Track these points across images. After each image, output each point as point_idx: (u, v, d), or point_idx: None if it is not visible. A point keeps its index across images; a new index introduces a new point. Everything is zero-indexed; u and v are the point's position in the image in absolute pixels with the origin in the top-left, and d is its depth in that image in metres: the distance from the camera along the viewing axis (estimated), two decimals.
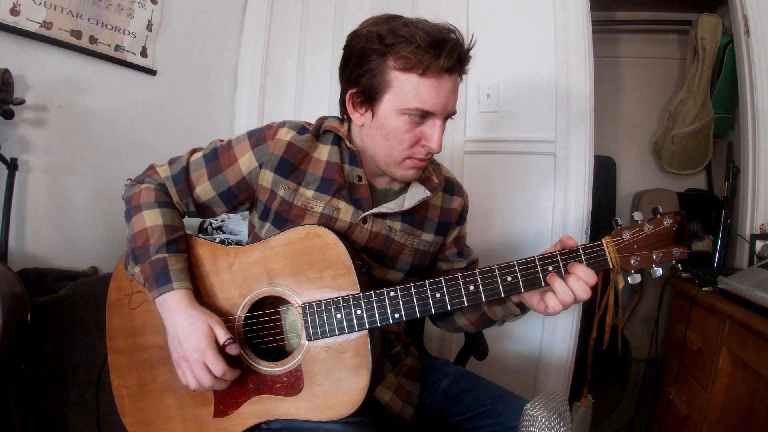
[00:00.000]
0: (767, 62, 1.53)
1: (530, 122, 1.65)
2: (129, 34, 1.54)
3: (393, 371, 0.97)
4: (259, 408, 0.81)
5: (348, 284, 0.79)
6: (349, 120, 0.88)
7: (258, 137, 0.89)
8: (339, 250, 0.80)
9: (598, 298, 0.79)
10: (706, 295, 1.36)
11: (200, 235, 0.95)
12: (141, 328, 0.88)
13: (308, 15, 1.96)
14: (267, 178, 0.88)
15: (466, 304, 0.76)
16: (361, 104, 0.82)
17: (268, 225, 0.90)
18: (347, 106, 0.85)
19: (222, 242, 0.89)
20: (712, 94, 2.04)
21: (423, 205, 0.93)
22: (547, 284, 0.74)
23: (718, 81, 2.00)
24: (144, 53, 1.59)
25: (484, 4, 1.69)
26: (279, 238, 0.83)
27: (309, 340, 0.80)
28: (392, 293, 0.77)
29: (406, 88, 0.77)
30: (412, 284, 0.78)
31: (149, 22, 1.59)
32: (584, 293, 0.72)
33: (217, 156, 0.90)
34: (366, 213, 0.88)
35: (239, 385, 0.82)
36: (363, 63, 0.79)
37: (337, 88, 0.88)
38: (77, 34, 1.39)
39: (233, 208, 0.95)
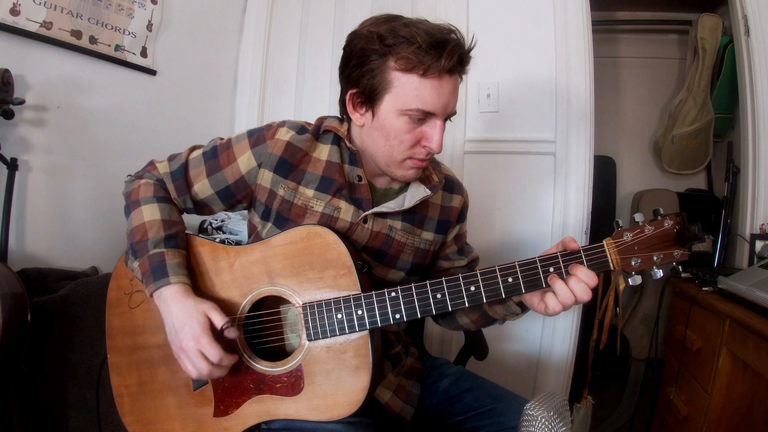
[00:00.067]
0: (767, 62, 1.53)
1: (530, 122, 1.65)
2: (129, 34, 1.54)
3: (393, 371, 0.97)
4: (259, 408, 0.81)
5: (349, 284, 0.79)
6: (349, 120, 0.88)
7: (257, 137, 0.89)
8: (340, 250, 0.80)
9: (599, 299, 0.79)
10: (706, 295, 1.36)
11: (200, 235, 0.95)
12: (141, 328, 0.88)
13: (308, 15, 1.96)
14: (266, 177, 0.88)
15: (467, 304, 0.76)
16: (362, 104, 0.82)
17: (269, 225, 0.90)
18: (347, 106, 0.85)
19: (222, 242, 0.89)
20: (712, 94, 2.04)
21: (423, 203, 0.93)
22: (547, 285, 0.74)
23: (718, 81, 2.00)
24: (144, 53, 1.59)
25: (484, 4, 1.69)
26: (280, 238, 0.83)
27: (309, 340, 0.80)
28: (393, 293, 0.77)
29: (406, 89, 0.77)
30: (413, 285, 0.78)
31: (149, 22, 1.59)
32: (585, 295, 0.72)
33: (217, 154, 0.90)
34: (366, 212, 0.88)
35: (239, 384, 0.82)
36: (363, 63, 0.79)
37: (337, 88, 0.88)
38: (77, 34, 1.39)
39: (231, 207, 0.95)
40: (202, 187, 0.91)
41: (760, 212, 1.54)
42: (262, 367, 0.82)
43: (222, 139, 0.93)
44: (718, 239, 1.69)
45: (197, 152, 0.92)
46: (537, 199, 1.65)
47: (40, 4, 1.29)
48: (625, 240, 0.73)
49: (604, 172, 2.13)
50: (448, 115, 0.82)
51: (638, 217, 0.74)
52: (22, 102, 1.19)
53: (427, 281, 0.78)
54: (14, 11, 1.24)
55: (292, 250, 0.82)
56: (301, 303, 0.81)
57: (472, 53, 0.81)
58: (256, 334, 0.86)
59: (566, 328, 1.62)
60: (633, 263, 0.73)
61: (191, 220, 1.01)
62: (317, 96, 1.93)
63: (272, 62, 1.99)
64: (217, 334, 0.77)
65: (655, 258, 0.73)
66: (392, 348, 0.99)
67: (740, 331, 1.16)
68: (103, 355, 0.92)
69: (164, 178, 0.91)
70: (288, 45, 1.98)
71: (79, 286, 1.19)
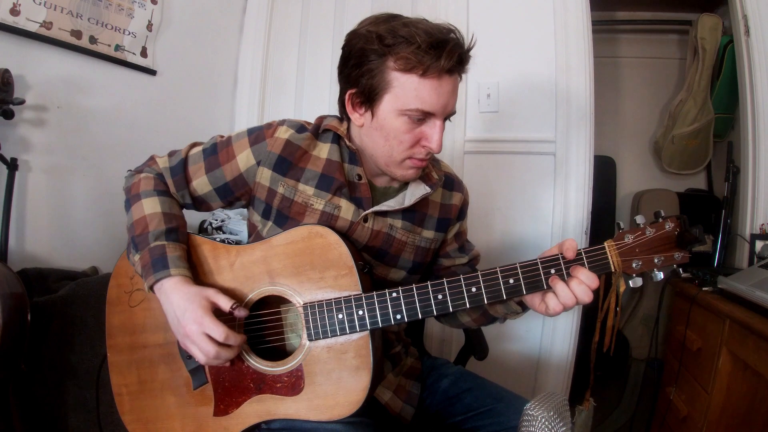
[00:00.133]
0: (767, 62, 1.53)
1: (530, 122, 1.65)
2: (129, 34, 1.54)
3: (393, 371, 0.97)
4: (259, 407, 0.81)
5: (350, 284, 0.79)
6: (348, 119, 0.88)
7: (257, 135, 0.89)
8: (341, 250, 0.80)
9: (600, 301, 0.79)
10: (706, 295, 1.36)
11: (200, 235, 0.96)
12: (141, 326, 0.88)
13: (308, 15, 1.96)
14: (265, 175, 0.88)
15: (468, 306, 0.76)
16: (361, 105, 0.82)
17: (270, 224, 0.90)
18: (346, 106, 0.85)
19: (222, 242, 0.89)
20: (712, 94, 2.04)
21: (423, 202, 0.92)
22: (549, 287, 0.74)
23: (718, 81, 2.00)
24: (144, 53, 1.59)
25: (484, 4, 1.69)
26: (280, 238, 0.83)
27: (310, 340, 0.80)
28: (394, 294, 0.77)
29: (406, 89, 0.77)
30: (414, 285, 0.78)
31: (149, 22, 1.59)
32: (586, 296, 0.72)
33: (216, 151, 0.90)
34: (367, 211, 0.88)
35: (239, 384, 0.82)
36: (362, 63, 0.79)
37: (337, 88, 0.88)
38: (77, 34, 1.39)
39: (229, 204, 0.95)
40: (201, 184, 0.91)
41: (760, 212, 1.54)
42: (263, 366, 0.82)
43: (222, 136, 0.93)
44: (718, 239, 1.69)
45: (197, 149, 0.93)
46: (537, 199, 1.65)
47: (40, 4, 1.29)
48: (627, 242, 0.73)
49: (604, 172, 2.13)
50: (447, 114, 0.82)
51: (639, 219, 0.74)
52: (22, 102, 1.19)
53: (429, 282, 0.78)
54: (14, 11, 1.24)
55: (293, 250, 0.82)
56: (301, 303, 0.81)
57: (471, 53, 0.80)
58: (256, 334, 0.86)
59: (566, 328, 1.62)
60: (634, 265, 0.73)
61: (191, 220, 1.01)
62: (317, 96, 1.93)
63: (272, 62, 1.99)
64: (222, 317, 0.77)
65: (656, 260, 0.73)
66: (392, 348, 0.99)
67: (740, 331, 1.16)
68: (103, 354, 0.92)
69: (164, 172, 0.91)
70: (288, 45, 1.98)
71: (79, 286, 1.19)
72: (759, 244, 1.46)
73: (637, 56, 2.35)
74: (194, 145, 0.94)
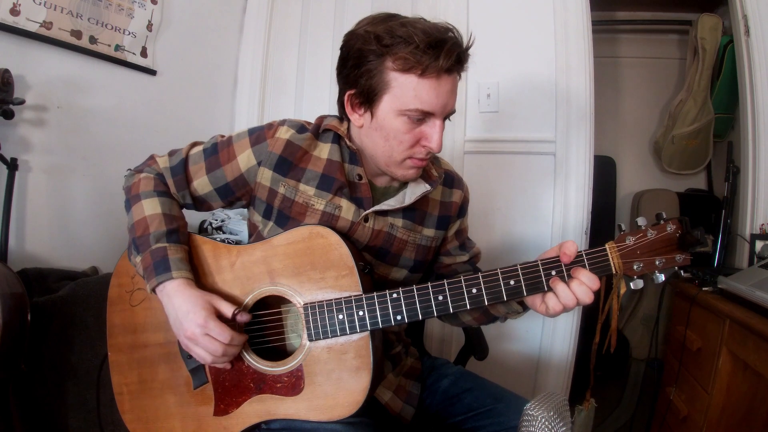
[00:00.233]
0: (767, 62, 1.53)
1: (530, 122, 1.65)
2: (129, 34, 1.54)
3: (393, 371, 0.97)
4: (259, 407, 0.81)
5: (350, 285, 0.79)
6: (348, 120, 0.88)
7: (258, 135, 0.89)
8: (342, 251, 0.80)
9: (601, 302, 0.79)
10: (706, 295, 1.36)
11: (200, 235, 0.96)
12: (142, 326, 0.88)
13: (308, 15, 1.96)
14: (266, 176, 0.88)
15: (468, 307, 0.76)
16: (360, 105, 0.82)
17: (271, 224, 0.90)
18: (346, 107, 0.85)
19: (222, 242, 0.89)
20: (712, 94, 2.04)
21: (423, 200, 0.92)
22: (549, 288, 0.74)
23: (718, 81, 2.00)
24: (144, 53, 1.59)
25: (484, 4, 1.69)
26: (281, 238, 0.83)
27: (310, 340, 0.80)
28: (394, 295, 0.77)
29: (405, 89, 0.77)
30: (414, 286, 0.78)
31: (149, 22, 1.59)
32: (587, 297, 0.72)
33: (217, 151, 0.90)
34: (367, 211, 0.88)
35: (240, 383, 0.82)
36: (361, 64, 0.79)
37: (337, 88, 0.87)
38: (77, 34, 1.39)
39: (230, 204, 0.95)
40: (201, 184, 0.91)
41: (760, 212, 1.53)
42: (263, 366, 0.82)
43: (223, 136, 0.93)
44: (718, 239, 1.69)
45: (198, 148, 0.92)
46: (537, 199, 1.65)
47: (40, 4, 1.29)
48: (628, 244, 0.73)
49: (604, 172, 2.13)
50: (447, 114, 0.82)
51: (641, 221, 0.74)
52: (22, 102, 1.19)
53: (429, 283, 0.78)
54: (14, 11, 1.24)
55: (294, 250, 0.82)
56: (302, 303, 0.81)
57: (470, 52, 0.80)
58: (257, 334, 0.86)
59: (566, 328, 1.62)
60: (635, 267, 0.73)
61: (191, 219, 1.01)
62: (317, 96, 1.93)
63: (272, 62, 1.99)
64: (222, 319, 0.78)
65: (657, 262, 0.73)
66: (393, 348, 0.99)
67: (740, 331, 1.16)
68: (103, 355, 0.92)
69: (164, 172, 0.91)
70: (288, 45, 1.98)
71: (79, 286, 1.19)
72: (759, 244, 1.46)
73: (637, 56, 2.35)
74: (195, 144, 0.94)
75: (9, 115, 1.17)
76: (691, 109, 2.06)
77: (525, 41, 1.65)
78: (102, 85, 1.48)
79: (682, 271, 0.74)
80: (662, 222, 0.73)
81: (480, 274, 0.76)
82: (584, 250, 0.74)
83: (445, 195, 0.98)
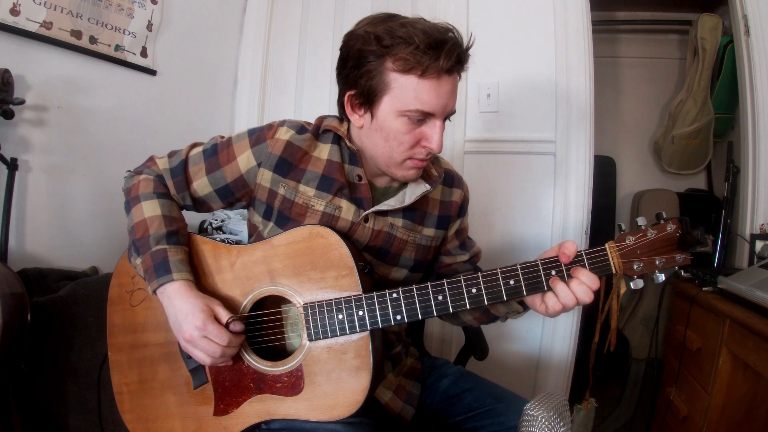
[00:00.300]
0: (767, 62, 1.53)
1: (530, 122, 1.65)
2: (129, 34, 1.54)
3: (393, 371, 0.97)
4: (259, 407, 0.81)
5: (350, 285, 0.79)
6: (348, 120, 0.88)
7: (258, 136, 0.89)
8: (342, 251, 0.80)
9: (600, 302, 0.79)
10: (706, 295, 1.36)
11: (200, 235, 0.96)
12: (142, 325, 0.88)
13: (308, 15, 1.96)
14: (266, 177, 0.88)
15: (468, 307, 0.76)
16: (360, 106, 0.82)
17: (271, 224, 0.90)
18: (345, 107, 0.85)
19: (222, 242, 0.89)
20: (712, 94, 2.04)
21: (423, 200, 0.92)
22: (549, 288, 0.74)
23: (718, 81, 2.00)
24: (144, 53, 1.59)
25: (484, 4, 1.69)
26: (281, 238, 0.83)
27: (310, 340, 0.80)
28: (394, 294, 0.77)
29: (405, 90, 0.77)
30: (414, 286, 0.78)
31: (149, 22, 1.59)
32: (586, 297, 0.72)
33: (216, 152, 0.90)
34: (368, 211, 0.88)
35: (239, 383, 0.82)
36: (361, 65, 0.79)
37: (336, 89, 0.87)
38: (77, 34, 1.39)
39: (230, 205, 0.95)
40: (201, 185, 0.91)
41: (760, 212, 1.53)
42: (263, 366, 0.82)
43: (222, 137, 0.93)
44: (718, 239, 1.69)
45: (197, 149, 0.92)
46: (537, 199, 1.65)
47: (40, 4, 1.29)
48: (628, 244, 0.73)
49: (604, 172, 2.13)
50: (447, 114, 0.82)
51: (641, 221, 0.74)
52: (22, 102, 1.19)
53: (429, 283, 0.78)
54: (14, 11, 1.24)
55: (294, 250, 0.82)
56: (302, 303, 0.81)
57: (470, 52, 0.80)
58: (256, 334, 0.86)
59: (566, 328, 1.62)
60: (635, 267, 0.73)
61: (191, 219, 1.01)
62: (317, 96, 1.93)
63: (272, 62, 1.99)
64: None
65: (657, 262, 0.73)
66: (393, 348, 0.99)
67: (740, 331, 1.16)
68: (104, 355, 0.92)
69: (164, 174, 0.91)
70: (288, 45, 1.98)
71: (79, 286, 1.19)
72: (759, 244, 1.46)
73: (637, 56, 2.35)
74: (194, 145, 0.94)
75: (9, 115, 1.17)
76: (691, 109, 2.06)
77: (525, 41, 1.65)
78: (102, 85, 1.48)
79: (682, 271, 0.73)
80: (662, 222, 0.73)
81: (480, 274, 0.76)
82: (584, 250, 0.74)
83: (445, 194, 0.98)
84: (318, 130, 0.90)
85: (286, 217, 0.88)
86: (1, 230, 1.20)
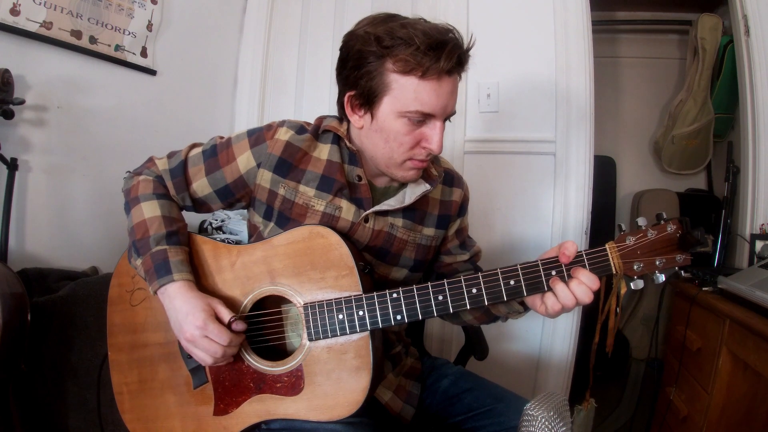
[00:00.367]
0: (767, 62, 1.53)
1: (530, 122, 1.65)
2: (129, 34, 1.54)
3: (393, 371, 0.97)
4: (259, 407, 0.81)
5: (350, 285, 0.79)
6: (348, 121, 0.87)
7: (257, 137, 0.89)
8: (342, 251, 0.80)
9: (601, 303, 0.79)
10: (706, 295, 1.36)
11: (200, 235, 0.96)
12: (142, 325, 0.88)
13: (308, 15, 1.96)
14: (265, 177, 0.88)
15: (468, 307, 0.76)
16: (360, 107, 0.82)
17: (271, 225, 0.90)
18: (345, 108, 0.85)
19: (222, 242, 0.89)
20: (712, 94, 2.04)
21: (423, 199, 0.92)
22: (549, 288, 0.74)
23: (718, 81, 2.00)
24: (144, 53, 1.59)
25: (484, 4, 1.69)
26: (281, 238, 0.83)
27: (310, 340, 0.80)
28: (394, 295, 0.77)
29: (405, 91, 0.77)
30: (414, 286, 0.78)
31: (149, 22, 1.59)
32: (586, 297, 0.72)
33: (216, 153, 0.90)
34: (368, 211, 0.88)
35: (239, 383, 0.82)
36: (361, 65, 0.78)
37: (336, 89, 0.87)
38: (77, 34, 1.39)
39: (230, 205, 0.95)
40: (201, 186, 0.91)
41: (760, 212, 1.54)
42: (263, 366, 0.82)
43: (222, 137, 0.93)
44: (718, 239, 1.69)
45: (197, 150, 0.92)
46: (537, 199, 1.65)
47: (40, 4, 1.29)
48: (628, 244, 0.73)
49: (604, 172, 2.13)
50: (447, 115, 0.82)
51: (641, 221, 0.74)
52: (22, 102, 1.19)
53: (429, 283, 0.78)
54: (14, 11, 1.24)
55: (294, 250, 0.82)
56: (302, 303, 0.81)
57: (471, 52, 0.80)
58: (257, 334, 0.86)
59: (566, 328, 1.62)
60: (635, 267, 0.73)
61: (191, 219, 1.01)
62: (317, 96, 1.93)
63: (272, 62, 1.99)
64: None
65: (657, 262, 0.73)
66: (393, 348, 0.99)
67: (740, 331, 1.16)
68: (104, 354, 0.92)
69: (163, 175, 0.91)
70: (288, 45, 1.98)
71: (79, 286, 1.19)
72: (759, 244, 1.46)
73: (637, 56, 2.35)
74: (194, 146, 0.94)
75: (9, 115, 1.17)
76: (691, 109, 2.06)
77: (525, 41, 1.65)
78: (102, 85, 1.48)
79: (682, 271, 0.73)
80: (662, 222, 0.73)
81: (480, 274, 0.76)
82: (584, 250, 0.74)
83: (445, 194, 0.98)
84: (318, 131, 0.90)
85: (287, 217, 0.88)
86: (1, 230, 1.20)
